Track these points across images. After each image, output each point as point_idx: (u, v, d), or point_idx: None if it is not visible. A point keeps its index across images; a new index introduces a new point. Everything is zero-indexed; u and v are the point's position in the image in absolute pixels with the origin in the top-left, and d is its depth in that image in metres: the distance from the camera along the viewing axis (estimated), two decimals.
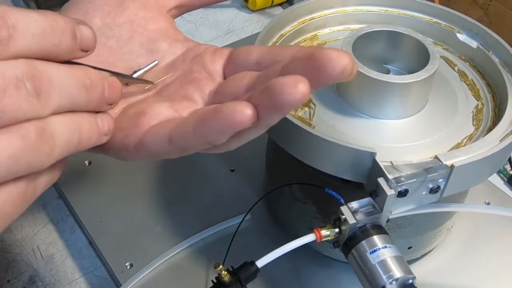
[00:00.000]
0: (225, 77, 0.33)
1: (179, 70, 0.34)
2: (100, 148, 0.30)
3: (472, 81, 0.48)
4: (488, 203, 0.55)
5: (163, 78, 0.34)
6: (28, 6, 0.78)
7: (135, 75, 0.33)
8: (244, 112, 0.24)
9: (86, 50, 0.26)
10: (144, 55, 0.35)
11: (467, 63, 0.50)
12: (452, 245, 0.53)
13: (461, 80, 0.48)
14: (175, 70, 0.34)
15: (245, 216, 0.52)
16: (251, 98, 0.25)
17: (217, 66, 0.33)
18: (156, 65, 0.35)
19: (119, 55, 0.35)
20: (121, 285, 0.49)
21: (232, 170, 0.59)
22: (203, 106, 0.31)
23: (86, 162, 0.59)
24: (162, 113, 0.30)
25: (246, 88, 0.29)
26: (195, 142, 0.27)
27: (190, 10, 0.39)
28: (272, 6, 0.87)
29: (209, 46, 0.35)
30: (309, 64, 0.25)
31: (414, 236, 0.47)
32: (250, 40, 0.79)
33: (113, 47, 0.35)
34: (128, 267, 0.50)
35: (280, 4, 0.87)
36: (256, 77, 0.29)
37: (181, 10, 0.39)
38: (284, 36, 0.49)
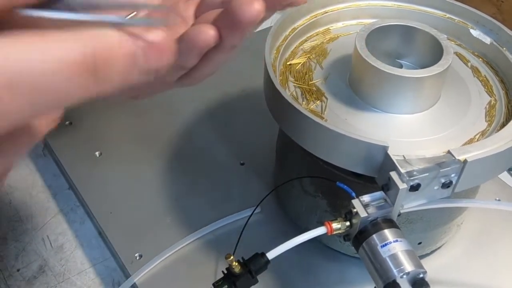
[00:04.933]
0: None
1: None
2: None
3: (485, 77, 0.48)
4: (498, 200, 0.55)
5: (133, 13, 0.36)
6: None
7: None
8: (207, 32, 0.28)
9: None
10: None
11: (480, 59, 0.50)
12: (461, 242, 0.53)
13: (474, 76, 0.48)
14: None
15: (255, 209, 0.52)
16: (213, 22, 0.29)
17: (189, 12, 0.36)
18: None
19: None
20: (130, 276, 0.49)
21: (242, 164, 0.59)
22: None
23: (97, 153, 0.60)
24: None
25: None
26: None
27: None
28: None
29: None
30: None
31: (424, 231, 0.46)
32: (260, 34, 0.79)
33: None
34: (137, 258, 0.50)
35: None
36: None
37: None
38: (297, 30, 0.49)
